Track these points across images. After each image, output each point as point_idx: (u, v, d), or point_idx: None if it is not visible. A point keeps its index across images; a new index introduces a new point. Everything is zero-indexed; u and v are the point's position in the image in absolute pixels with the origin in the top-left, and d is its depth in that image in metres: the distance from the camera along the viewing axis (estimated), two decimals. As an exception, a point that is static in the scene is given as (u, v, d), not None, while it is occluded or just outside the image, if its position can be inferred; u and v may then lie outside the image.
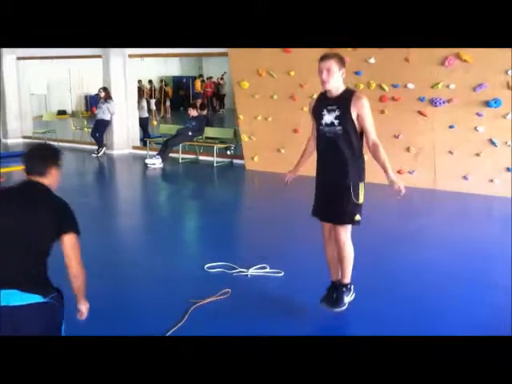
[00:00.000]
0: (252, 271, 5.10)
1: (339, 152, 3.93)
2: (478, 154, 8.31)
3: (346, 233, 4.03)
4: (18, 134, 15.18)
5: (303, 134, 9.65)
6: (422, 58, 8.35)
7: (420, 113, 8.62)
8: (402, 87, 8.67)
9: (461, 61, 8.09)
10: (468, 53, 7.99)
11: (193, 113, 11.87)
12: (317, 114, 4.05)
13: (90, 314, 3.11)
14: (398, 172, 8.67)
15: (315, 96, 9.74)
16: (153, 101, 19.39)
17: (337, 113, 3.91)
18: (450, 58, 8.13)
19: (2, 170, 10.32)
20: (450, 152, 8.52)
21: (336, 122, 3.91)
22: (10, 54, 14.69)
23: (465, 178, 8.47)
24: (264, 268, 5.16)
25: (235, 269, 5.16)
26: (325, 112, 3.97)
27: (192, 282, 5.09)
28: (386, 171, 3.85)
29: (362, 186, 4.00)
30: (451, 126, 8.42)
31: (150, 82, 24.21)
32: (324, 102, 4.01)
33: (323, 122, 3.98)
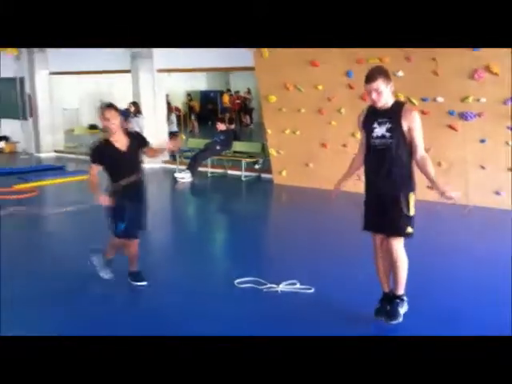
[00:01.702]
0: (282, 287, 5.09)
1: (390, 164, 3.96)
2: (510, 169, 8.17)
3: (400, 244, 4.09)
4: (50, 148, 15.48)
5: (331, 148, 9.66)
6: (451, 71, 8.28)
7: (450, 127, 8.52)
8: (431, 101, 8.59)
9: (490, 73, 7.99)
10: (497, 65, 7.89)
11: (221, 127, 11.95)
12: (367, 127, 4.06)
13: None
14: (429, 187, 8.56)
15: (343, 110, 9.73)
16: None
17: (388, 125, 3.94)
18: (479, 70, 8.04)
19: (34, 184, 10.53)
20: (482, 167, 8.39)
21: (387, 134, 3.94)
22: (43, 70, 15.04)
23: (497, 193, 8.33)
24: (294, 284, 5.14)
25: (265, 284, 5.15)
26: (375, 125, 3.99)
27: (222, 297, 5.10)
28: (434, 184, 3.94)
29: (412, 197, 4.04)
30: (482, 140, 8.30)
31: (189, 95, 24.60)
32: (374, 114, 4.03)
33: (374, 134, 4.00)
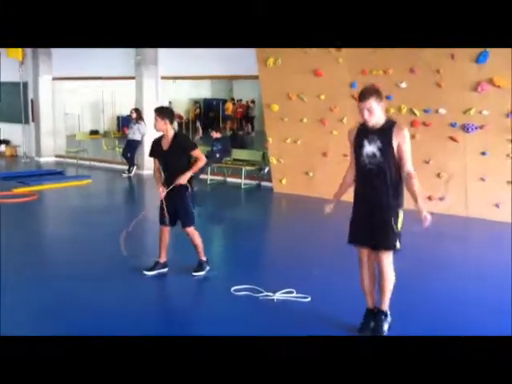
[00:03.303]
0: (278, 295, 5.05)
1: (379, 181, 3.99)
2: (510, 182, 8.15)
3: (389, 258, 4.10)
4: (51, 153, 15.49)
5: (332, 157, 9.65)
6: (454, 83, 8.28)
7: (451, 138, 8.51)
8: (433, 112, 8.59)
9: (494, 86, 7.99)
10: (502, 79, 7.89)
11: (215, 135, 12.02)
12: (357, 144, 4.07)
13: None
14: (429, 198, 8.55)
15: (345, 120, 9.74)
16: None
17: (378, 144, 3.95)
18: (482, 83, 8.04)
19: (35, 188, 10.52)
20: (482, 179, 8.37)
21: (378, 153, 3.96)
22: (46, 75, 15.08)
23: (496, 205, 8.30)
24: (291, 292, 5.10)
25: (261, 292, 5.11)
26: (365, 143, 4.01)
27: (218, 304, 5.07)
28: (416, 200, 3.90)
29: (400, 213, 4.06)
30: (483, 153, 8.28)
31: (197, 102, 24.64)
32: (365, 132, 4.04)
33: (364, 152, 4.01)
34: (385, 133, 3.96)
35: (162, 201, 5.52)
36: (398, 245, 4.07)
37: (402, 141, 3.94)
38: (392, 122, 4.06)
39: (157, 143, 5.61)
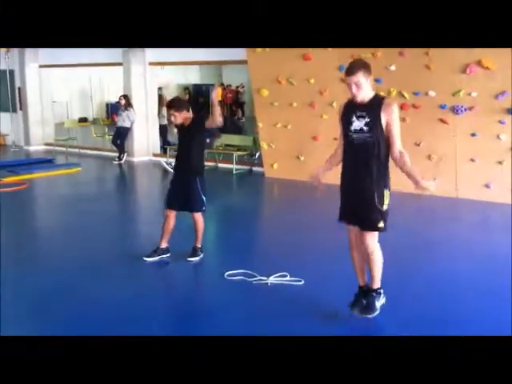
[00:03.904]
0: (272, 279, 5.08)
1: (367, 159, 3.93)
2: (500, 163, 8.20)
3: (373, 238, 4.05)
4: (39, 141, 15.38)
5: (322, 141, 9.65)
6: (443, 65, 8.29)
7: (441, 120, 8.54)
8: (423, 95, 8.61)
9: (482, 68, 8.01)
10: (490, 60, 7.90)
11: None
12: (345, 120, 4.03)
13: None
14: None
15: (335, 104, 9.73)
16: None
17: (366, 119, 3.90)
18: (471, 65, 8.05)
19: (25, 177, 10.46)
20: (472, 160, 8.42)
21: (365, 128, 3.91)
22: (33, 63, 14.92)
23: (487, 186, 8.36)
24: (284, 276, 5.13)
25: (255, 277, 5.14)
26: (354, 118, 3.96)
27: (212, 289, 5.09)
28: (412, 177, 3.87)
29: (387, 193, 4.01)
30: (473, 134, 8.33)
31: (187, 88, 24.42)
32: (353, 108, 3.99)
33: (352, 128, 3.97)
34: (373, 108, 3.89)
35: (171, 184, 5.70)
36: (381, 224, 4.00)
37: (391, 117, 3.87)
38: (380, 97, 4.02)
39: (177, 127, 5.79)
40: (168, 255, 5.76)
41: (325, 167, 4.34)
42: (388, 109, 3.88)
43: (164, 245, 5.77)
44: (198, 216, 5.70)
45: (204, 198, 5.65)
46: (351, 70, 3.87)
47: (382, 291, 4.23)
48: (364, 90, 3.89)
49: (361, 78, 3.85)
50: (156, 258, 5.71)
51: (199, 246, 5.79)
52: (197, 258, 5.73)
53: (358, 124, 3.94)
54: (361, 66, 3.90)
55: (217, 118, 5.37)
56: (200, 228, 5.74)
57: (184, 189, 5.61)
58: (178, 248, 5.95)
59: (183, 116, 5.55)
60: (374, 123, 3.88)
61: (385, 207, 4.00)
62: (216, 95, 5.46)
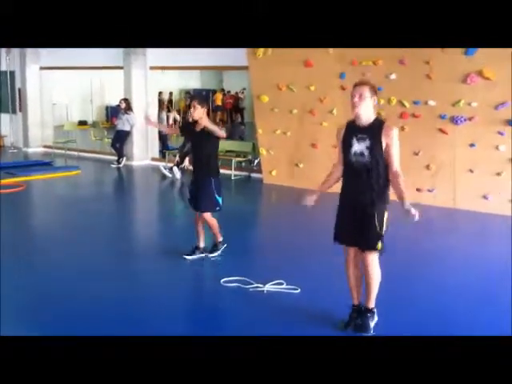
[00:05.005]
0: (268, 287, 5.05)
1: (366, 181, 3.96)
2: (498, 174, 8.20)
3: (373, 257, 4.07)
4: (38, 143, 15.37)
5: (321, 148, 9.65)
6: (444, 74, 8.29)
7: (441, 130, 8.54)
8: (422, 104, 8.61)
9: (483, 78, 8.01)
10: (491, 70, 7.91)
11: None
12: (346, 142, 4.05)
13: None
14: (418, 190, 8.60)
15: (335, 111, 9.71)
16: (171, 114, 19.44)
17: (367, 143, 3.93)
18: (472, 75, 8.06)
19: (22, 179, 10.44)
20: (471, 171, 8.41)
21: (366, 152, 3.93)
22: (34, 64, 14.92)
23: (485, 197, 8.35)
24: (280, 284, 5.11)
25: (251, 284, 5.12)
26: (354, 141, 3.98)
27: (208, 296, 5.07)
28: (402, 199, 3.85)
29: (386, 215, 4.04)
30: (472, 145, 8.32)
31: (171, 93, 24.33)
32: (353, 130, 4.02)
33: (352, 150, 3.99)
34: (374, 131, 3.93)
35: (190, 186, 6.08)
36: (379, 246, 4.04)
37: (391, 140, 3.91)
38: (381, 120, 4.08)
39: (188, 124, 6.00)
40: (203, 255, 5.99)
41: (321, 188, 4.35)
42: (389, 132, 3.92)
43: (200, 244, 6.01)
44: (207, 216, 5.87)
45: (219, 199, 5.87)
46: (359, 83, 4.01)
47: (375, 310, 4.23)
48: (366, 104, 3.93)
49: (366, 91, 3.92)
50: (195, 257, 5.93)
51: (219, 240, 6.08)
52: (216, 253, 6.04)
53: (358, 147, 3.96)
54: (368, 83, 4.03)
55: (219, 133, 5.69)
56: (212, 225, 5.97)
57: (198, 190, 5.85)
58: (176, 251, 5.92)
59: (201, 112, 5.69)
60: (375, 146, 3.91)
61: (384, 228, 4.03)
62: (208, 124, 5.67)
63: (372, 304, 4.20)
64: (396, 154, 3.94)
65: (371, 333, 4.15)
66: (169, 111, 19.60)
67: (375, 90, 4.01)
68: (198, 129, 5.74)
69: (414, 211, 3.76)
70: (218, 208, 5.91)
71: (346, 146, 4.05)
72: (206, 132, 5.67)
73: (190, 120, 5.96)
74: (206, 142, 5.74)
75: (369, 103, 3.94)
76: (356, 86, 3.99)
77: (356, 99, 3.92)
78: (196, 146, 5.90)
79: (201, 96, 5.99)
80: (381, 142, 3.91)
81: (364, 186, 3.97)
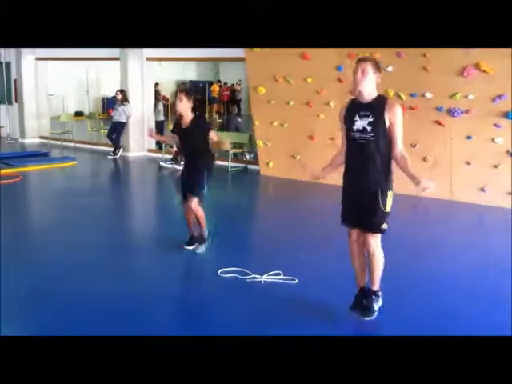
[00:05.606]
0: (266, 277, 5.07)
1: (370, 159, 3.92)
2: (495, 166, 8.22)
3: (376, 240, 4.05)
4: (35, 134, 15.32)
5: (318, 140, 9.65)
6: (441, 67, 8.29)
7: (437, 123, 8.55)
8: (419, 96, 8.61)
9: (480, 71, 8.02)
10: (488, 63, 7.91)
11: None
12: (348, 119, 4.01)
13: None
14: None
15: (332, 103, 9.67)
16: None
17: (370, 119, 3.88)
18: (469, 68, 8.06)
19: (19, 170, 10.41)
20: (468, 163, 8.43)
21: (369, 128, 3.88)
22: (30, 55, 14.85)
23: (482, 189, 8.38)
24: (278, 275, 5.13)
25: (249, 274, 5.13)
26: (357, 118, 3.94)
27: (205, 286, 5.08)
28: (411, 176, 3.81)
29: (390, 194, 4.00)
30: (469, 137, 8.34)
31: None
32: (356, 107, 3.98)
33: (355, 127, 3.95)
34: (376, 107, 3.88)
35: (180, 178, 5.99)
36: (384, 226, 4.02)
37: (395, 118, 3.87)
38: (384, 97, 4.02)
39: (177, 121, 5.87)
40: (203, 244, 5.96)
41: (328, 168, 4.32)
42: (392, 109, 3.89)
43: (194, 233, 5.95)
44: (195, 206, 5.78)
45: (205, 187, 5.79)
46: (362, 59, 3.92)
47: (380, 294, 4.24)
48: (368, 80, 3.86)
49: (369, 66, 3.85)
50: (194, 246, 5.91)
51: (204, 234, 5.96)
52: (202, 247, 5.93)
53: (360, 123, 3.92)
54: (372, 59, 3.96)
55: (223, 145, 5.91)
56: (200, 216, 5.88)
57: (189, 177, 5.78)
58: (171, 241, 5.93)
59: (186, 107, 5.62)
60: (378, 122, 3.87)
61: (388, 209, 4.00)
62: (216, 138, 5.70)
63: (376, 286, 4.19)
64: (400, 134, 3.91)
65: (375, 315, 4.16)
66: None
67: (378, 67, 3.93)
68: (184, 126, 5.69)
69: (428, 183, 3.71)
70: (203, 191, 5.81)
71: (348, 123, 4.01)
72: (194, 130, 5.62)
73: (178, 117, 5.86)
74: (195, 140, 5.66)
75: (371, 79, 3.88)
76: (359, 61, 3.90)
77: (359, 75, 3.86)
78: (187, 142, 5.81)
79: (190, 89, 5.82)
80: (384, 119, 3.86)
81: (366, 164, 3.93)
